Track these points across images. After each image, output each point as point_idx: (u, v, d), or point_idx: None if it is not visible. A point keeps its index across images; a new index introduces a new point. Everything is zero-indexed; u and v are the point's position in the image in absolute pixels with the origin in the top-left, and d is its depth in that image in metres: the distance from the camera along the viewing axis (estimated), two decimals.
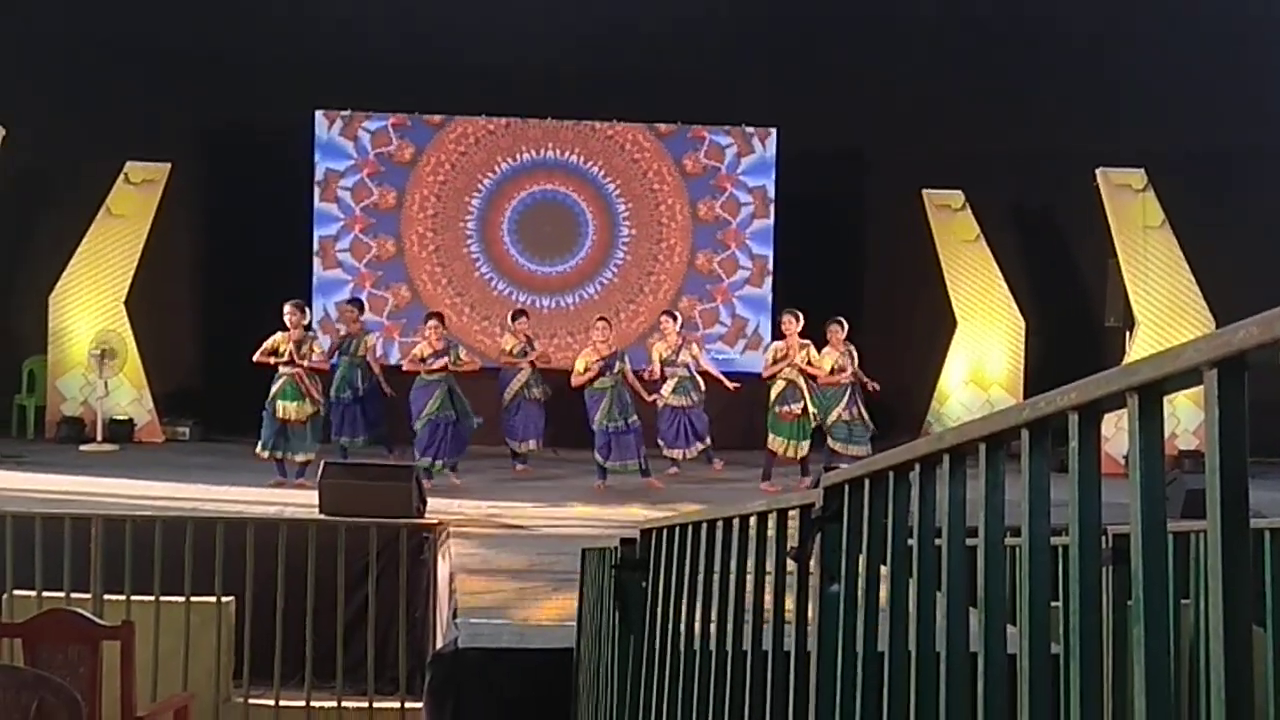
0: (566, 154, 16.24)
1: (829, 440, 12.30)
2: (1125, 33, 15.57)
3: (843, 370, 12.18)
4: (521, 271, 16.15)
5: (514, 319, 13.12)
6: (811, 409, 12.08)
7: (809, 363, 12.09)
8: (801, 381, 12.09)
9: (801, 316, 12.23)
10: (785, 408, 12.13)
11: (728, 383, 12.46)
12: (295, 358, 11.69)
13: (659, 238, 16.34)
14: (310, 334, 12.01)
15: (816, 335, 12.28)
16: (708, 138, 16.34)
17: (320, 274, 15.86)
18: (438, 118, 16.13)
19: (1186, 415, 13.06)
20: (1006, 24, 15.86)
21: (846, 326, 12.31)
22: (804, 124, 15.93)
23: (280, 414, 11.72)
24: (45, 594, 7.64)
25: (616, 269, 16.27)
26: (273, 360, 11.78)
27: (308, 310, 12.07)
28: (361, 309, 12.90)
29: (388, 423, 12.80)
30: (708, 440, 12.64)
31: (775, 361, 12.17)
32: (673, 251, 16.33)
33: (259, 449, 11.83)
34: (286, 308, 11.83)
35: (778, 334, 12.69)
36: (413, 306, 15.59)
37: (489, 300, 15.97)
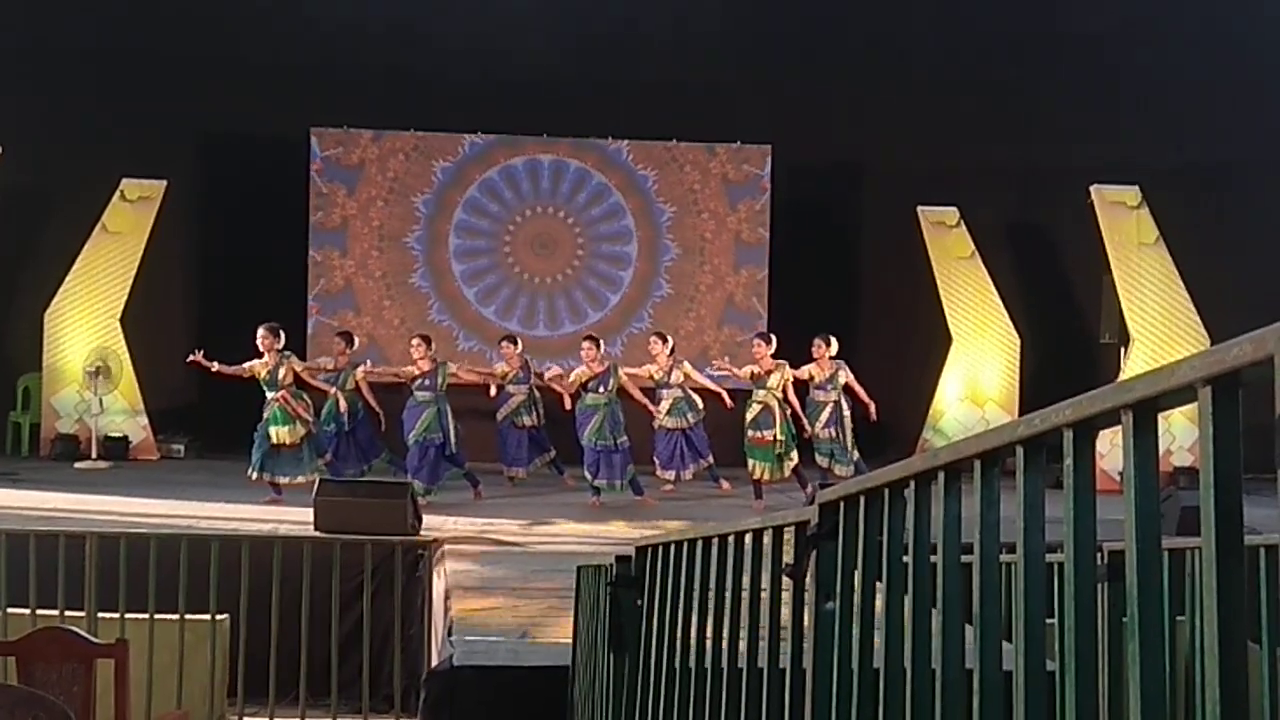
0: (559, 172, 16.28)
1: (816, 455, 12.31)
2: (1120, 50, 15.62)
3: (821, 388, 12.21)
4: (522, 292, 16.14)
5: (502, 345, 13.07)
6: (783, 435, 12.07)
7: (783, 386, 12.11)
8: (775, 406, 12.09)
9: (774, 339, 12.29)
10: (758, 433, 12.13)
11: (726, 398, 12.39)
12: (279, 382, 11.68)
13: (652, 254, 16.35)
14: (285, 355, 11.93)
15: (808, 354, 12.30)
16: (703, 154, 16.36)
17: (316, 292, 15.85)
18: (434, 134, 16.15)
19: (1182, 432, 13.07)
20: (1002, 41, 15.91)
21: (835, 343, 12.31)
22: (799, 140, 15.97)
23: (274, 439, 11.70)
24: (39, 612, 7.61)
25: (609, 289, 16.27)
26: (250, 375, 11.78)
27: (281, 334, 11.95)
28: (350, 342, 12.77)
29: (384, 442, 12.74)
30: (709, 459, 12.58)
31: (748, 378, 12.21)
32: (658, 270, 16.34)
33: (249, 472, 11.80)
34: (260, 332, 11.79)
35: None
36: (411, 328, 15.54)
37: (490, 326, 15.96)
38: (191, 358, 11.81)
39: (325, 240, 16.01)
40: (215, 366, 11.80)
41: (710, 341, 16.00)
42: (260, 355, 11.78)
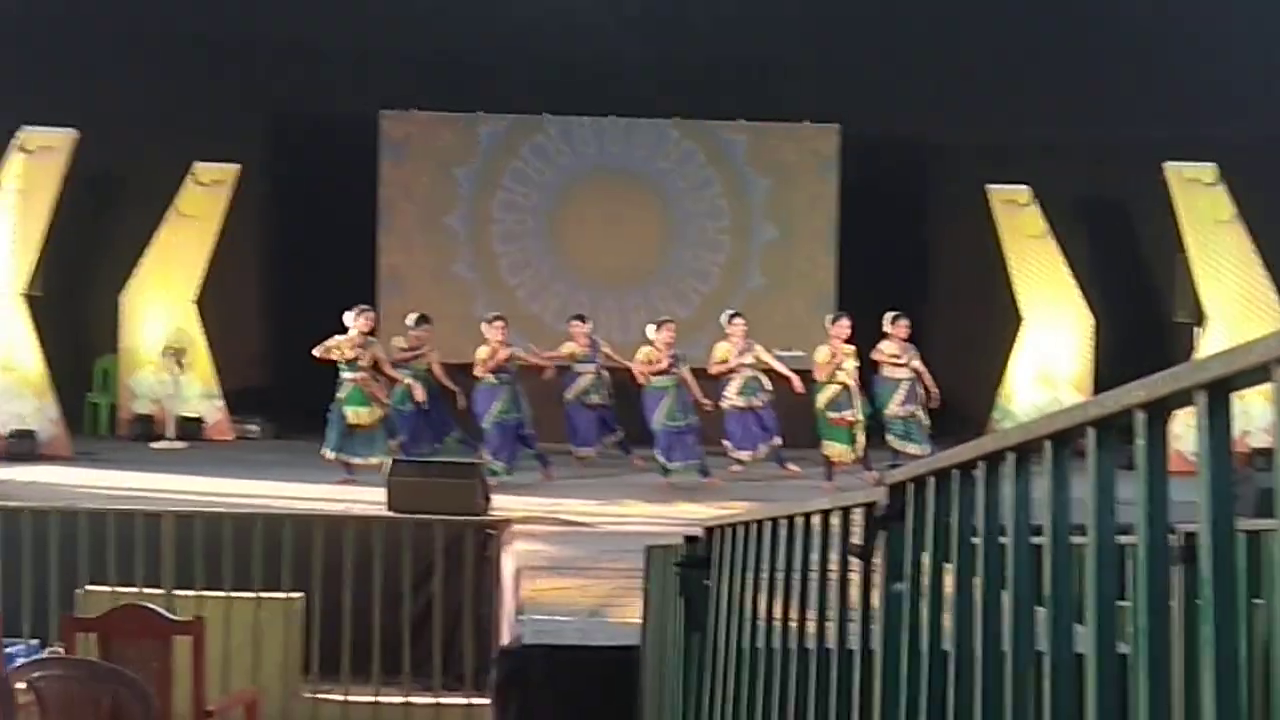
0: (626, 152, 16.26)
1: (887, 435, 12.22)
2: (1194, 22, 15.33)
3: (899, 363, 12.10)
4: (591, 274, 16.09)
5: (570, 325, 13.02)
6: (861, 416, 11.99)
7: (854, 367, 12.01)
8: (853, 385, 12.01)
9: (846, 319, 12.17)
10: (838, 414, 12.03)
11: (797, 382, 12.31)
12: (360, 362, 11.76)
13: (716, 236, 16.30)
14: (372, 341, 12.02)
15: (878, 333, 12.21)
16: (769, 133, 16.28)
17: (385, 275, 15.92)
18: (504, 116, 16.18)
19: (1259, 414, 12.85)
20: (1072, 14, 15.68)
21: (908, 322, 12.20)
22: (867, 119, 15.84)
23: (351, 419, 11.80)
24: (118, 589, 7.75)
25: (672, 270, 16.23)
26: (334, 356, 11.85)
27: (370, 316, 12.02)
28: (428, 324, 12.77)
29: (458, 420, 12.76)
30: (779, 439, 12.53)
31: (824, 365, 12.05)
32: (728, 250, 16.28)
33: (325, 450, 11.89)
34: (352, 314, 11.89)
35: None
36: (483, 306, 15.53)
37: (565, 307, 15.78)
38: (318, 350, 11.83)
39: (396, 223, 16.09)
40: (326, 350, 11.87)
41: (781, 322, 15.87)
42: (344, 332, 11.86)
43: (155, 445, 14.33)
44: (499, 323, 12.22)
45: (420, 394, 12.19)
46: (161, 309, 15.21)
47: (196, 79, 15.49)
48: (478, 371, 12.12)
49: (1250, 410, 12.64)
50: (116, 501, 9.33)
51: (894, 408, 12.16)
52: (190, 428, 14.82)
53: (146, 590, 7.69)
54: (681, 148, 16.31)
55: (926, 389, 12.18)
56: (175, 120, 15.42)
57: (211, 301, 15.39)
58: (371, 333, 12.09)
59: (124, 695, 4.58)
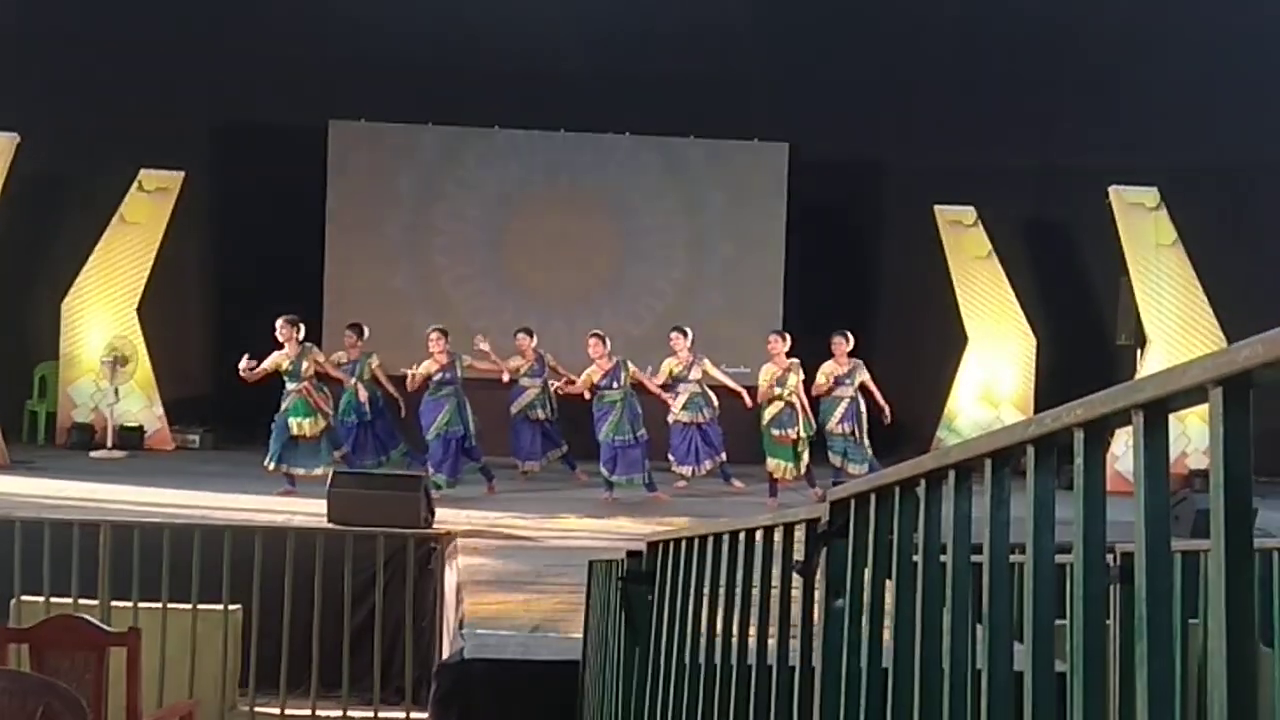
0: (576, 166, 16.26)
1: (829, 453, 12.26)
2: (1139, 50, 15.54)
3: (840, 384, 12.14)
4: (539, 290, 16.03)
5: (517, 337, 12.96)
6: (804, 433, 12.02)
7: (799, 384, 12.01)
8: (797, 403, 12.03)
9: (788, 336, 12.19)
10: (781, 431, 12.05)
11: (746, 397, 12.31)
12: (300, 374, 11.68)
13: (667, 252, 16.32)
14: (306, 346, 11.93)
15: (825, 352, 12.24)
16: (719, 151, 16.33)
17: (332, 283, 15.83)
18: (452, 128, 16.13)
19: (1198, 435, 13.02)
20: (1021, 40, 15.85)
21: (852, 340, 12.24)
22: (816, 138, 15.94)
23: (294, 430, 11.71)
24: (53, 600, 7.65)
25: (623, 286, 16.23)
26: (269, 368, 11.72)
27: (300, 325, 11.91)
28: (361, 333, 12.73)
29: (403, 434, 12.72)
30: (722, 455, 12.55)
31: (769, 385, 12.06)
32: (679, 266, 16.31)
33: (267, 461, 11.80)
34: (279, 324, 11.74)
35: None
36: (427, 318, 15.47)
37: (512, 321, 15.71)
38: (243, 365, 11.58)
39: (342, 234, 16.00)
40: (257, 368, 11.61)
41: (727, 338, 15.89)
42: (279, 346, 11.75)
43: (94, 454, 14.17)
44: (435, 334, 12.13)
45: (364, 395, 12.17)
46: (103, 316, 15.06)
47: (142, 85, 15.36)
48: (410, 386, 12.06)
49: (1189, 431, 12.80)
50: (53, 511, 9.20)
51: (833, 425, 12.20)
52: (130, 437, 14.68)
53: (82, 601, 7.59)
54: (633, 162, 16.33)
55: (878, 405, 12.20)
56: (120, 126, 15.28)
57: (154, 310, 15.24)
58: (304, 338, 11.94)
59: (56, 707, 4.51)
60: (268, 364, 11.69)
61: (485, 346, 12.36)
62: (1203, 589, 4.88)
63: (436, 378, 12.00)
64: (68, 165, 15.37)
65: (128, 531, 8.00)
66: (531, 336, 12.93)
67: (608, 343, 12.34)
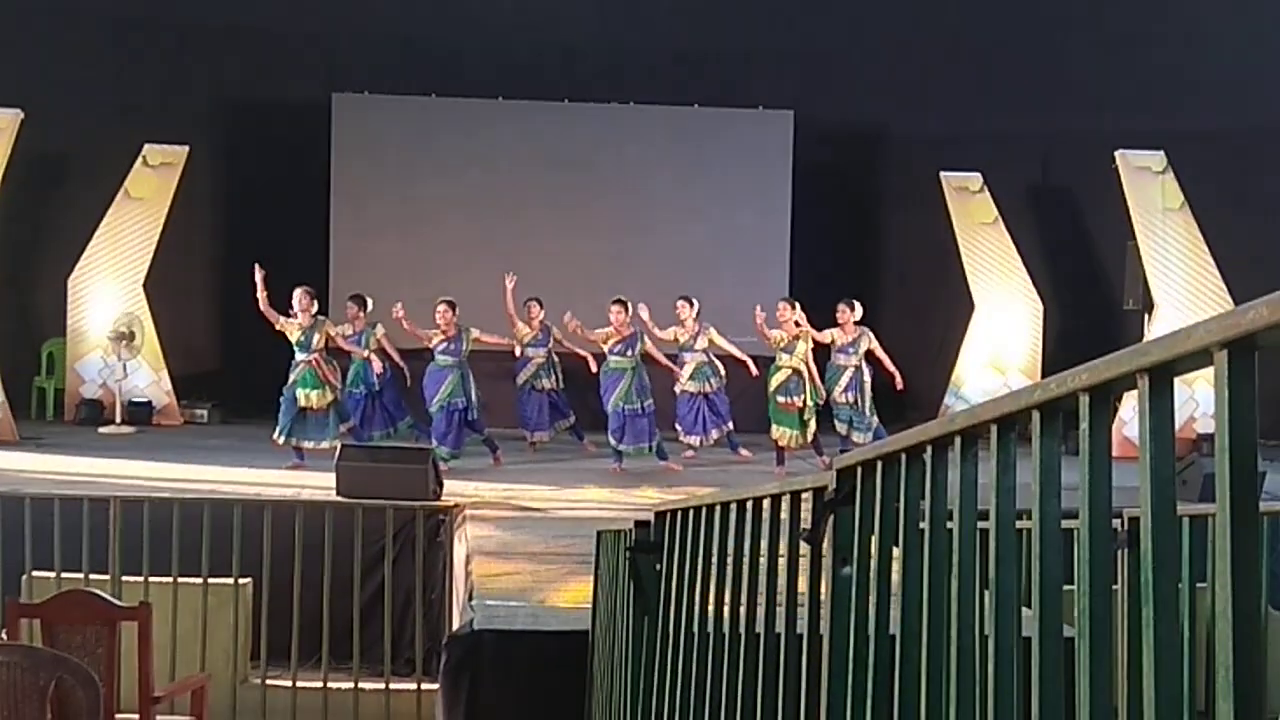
0: (581, 137, 16.20)
1: (835, 421, 12.24)
2: (1146, 13, 15.46)
3: (843, 352, 12.11)
4: (544, 260, 15.95)
5: (528, 306, 12.93)
6: (811, 401, 12.01)
7: (808, 352, 11.98)
8: (804, 371, 12.02)
9: (797, 304, 12.15)
10: (787, 399, 12.03)
11: (752, 366, 12.32)
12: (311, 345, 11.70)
13: (672, 221, 16.26)
14: (320, 319, 11.95)
15: (831, 319, 12.21)
16: (723, 119, 16.25)
17: (338, 256, 15.82)
18: (456, 100, 16.07)
19: (1205, 399, 12.99)
20: (1027, 4, 15.77)
21: (859, 308, 12.19)
22: (820, 106, 15.88)
23: (302, 402, 11.74)
24: (64, 575, 7.69)
25: (628, 256, 16.19)
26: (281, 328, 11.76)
27: (315, 298, 11.92)
28: (364, 304, 12.68)
29: (409, 406, 12.71)
30: (729, 425, 12.55)
31: (775, 342, 12.02)
32: (684, 235, 16.25)
33: (276, 435, 11.82)
34: (296, 294, 11.79)
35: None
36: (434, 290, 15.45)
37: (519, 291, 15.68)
38: (259, 275, 11.65)
39: (347, 206, 15.98)
40: (263, 296, 11.67)
41: (732, 307, 15.85)
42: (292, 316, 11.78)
43: (103, 430, 14.20)
44: (443, 305, 12.12)
45: (379, 366, 12.15)
46: (110, 292, 15.06)
47: (146, 60, 15.34)
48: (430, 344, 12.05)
49: (1196, 395, 12.78)
50: (63, 487, 9.23)
51: (837, 394, 12.19)
52: (138, 412, 14.70)
53: (93, 576, 7.62)
54: (637, 132, 16.26)
55: (888, 371, 12.16)
56: (125, 101, 15.27)
57: (160, 285, 15.23)
58: (318, 311, 11.97)
59: (68, 682, 4.54)
60: (280, 321, 11.69)
61: (402, 314, 12.13)
62: (1211, 553, 4.88)
63: (440, 349, 12.00)
64: (72, 141, 15.35)
65: (138, 506, 8.03)
66: (541, 306, 12.92)
67: (630, 309, 12.27)
